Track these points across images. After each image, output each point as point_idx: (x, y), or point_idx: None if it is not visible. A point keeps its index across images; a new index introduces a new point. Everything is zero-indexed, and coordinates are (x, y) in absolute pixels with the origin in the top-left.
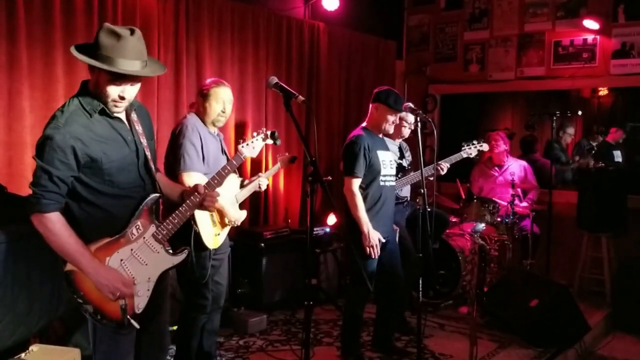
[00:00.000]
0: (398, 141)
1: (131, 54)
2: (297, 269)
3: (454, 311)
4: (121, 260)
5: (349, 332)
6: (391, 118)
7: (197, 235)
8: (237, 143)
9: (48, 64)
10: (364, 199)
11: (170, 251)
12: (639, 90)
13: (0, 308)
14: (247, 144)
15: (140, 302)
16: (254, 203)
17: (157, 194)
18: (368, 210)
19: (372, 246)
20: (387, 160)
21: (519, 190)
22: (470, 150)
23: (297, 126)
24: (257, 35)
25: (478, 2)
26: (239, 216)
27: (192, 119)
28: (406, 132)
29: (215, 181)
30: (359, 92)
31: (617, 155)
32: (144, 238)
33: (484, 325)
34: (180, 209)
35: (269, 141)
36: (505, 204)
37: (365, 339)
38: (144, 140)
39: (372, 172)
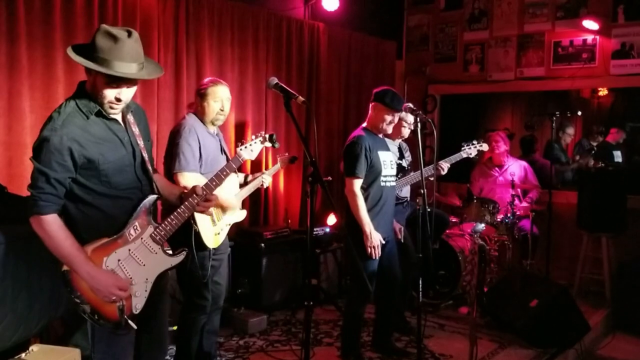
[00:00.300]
0: (397, 141)
1: (128, 57)
2: (297, 269)
3: (454, 311)
4: (119, 260)
5: (349, 332)
6: (388, 117)
7: (197, 235)
8: (237, 143)
9: (48, 64)
10: (365, 199)
11: (169, 252)
12: (638, 91)
13: (1, 308)
14: (246, 147)
15: (138, 303)
16: (255, 203)
17: (155, 195)
18: (369, 211)
19: (374, 247)
20: (388, 160)
21: (518, 190)
22: (470, 150)
23: (297, 126)
24: (257, 35)
25: (478, 2)
26: (239, 210)
27: (191, 120)
28: (405, 132)
29: (214, 183)
30: (359, 93)
31: (618, 156)
32: (141, 239)
33: (484, 326)
34: (179, 210)
35: (268, 144)
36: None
37: (365, 339)
38: (140, 142)
39: (373, 173)
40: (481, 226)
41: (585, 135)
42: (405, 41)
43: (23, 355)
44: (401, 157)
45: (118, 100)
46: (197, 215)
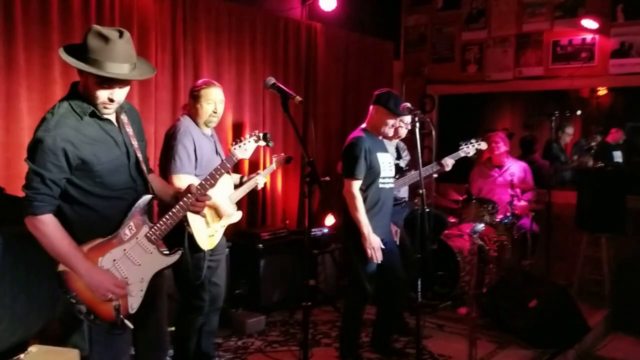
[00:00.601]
0: (395, 141)
1: (120, 57)
2: (295, 270)
3: (453, 312)
4: (114, 260)
5: (348, 333)
6: (391, 122)
7: (191, 237)
8: (232, 143)
9: (45, 65)
10: (363, 201)
11: (164, 251)
12: (637, 90)
13: (0, 309)
14: (240, 146)
15: (133, 302)
16: (252, 204)
17: (150, 195)
18: (367, 212)
19: (373, 248)
20: (387, 162)
21: (517, 190)
22: (468, 149)
23: (294, 127)
24: (254, 36)
25: (475, 2)
26: (232, 211)
27: (185, 122)
28: (402, 132)
29: (208, 183)
30: (357, 93)
31: (617, 156)
32: (136, 238)
33: (483, 326)
34: (173, 209)
35: (262, 143)
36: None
37: (363, 339)
38: (134, 142)
39: (372, 175)
40: (480, 226)
41: (584, 135)
42: (403, 41)
43: (22, 356)
44: (398, 157)
45: (111, 100)
46: (190, 217)
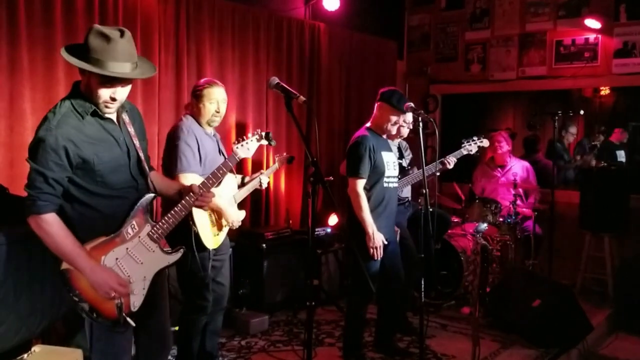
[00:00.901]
0: (397, 141)
1: (121, 56)
2: (299, 270)
3: (456, 311)
4: (116, 259)
5: (351, 333)
6: (393, 118)
7: (197, 236)
8: (237, 141)
9: (49, 66)
10: (368, 200)
11: (167, 250)
12: None
13: (3, 309)
14: (242, 145)
15: (136, 301)
16: (255, 204)
17: (152, 194)
18: (371, 212)
19: (376, 247)
20: (391, 161)
21: (520, 190)
22: (470, 147)
23: (298, 126)
24: (258, 36)
25: (479, 1)
26: (237, 216)
27: (188, 122)
28: (404, 131)
29: (211, 181)
30: (360, 93)
31: (621, 155)
32: (139, 237)
33: (486, 326)
34: (175, 208)
35: (264, 142)
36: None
37: (367, 339)
38: (136, 142)
39: (377, 174)
40: (483, 226)
41: (587, 135)
42: (407, 41)
43: (25, 355)
44: (400, 156)
45: (113, 99)
46: (196, 217)
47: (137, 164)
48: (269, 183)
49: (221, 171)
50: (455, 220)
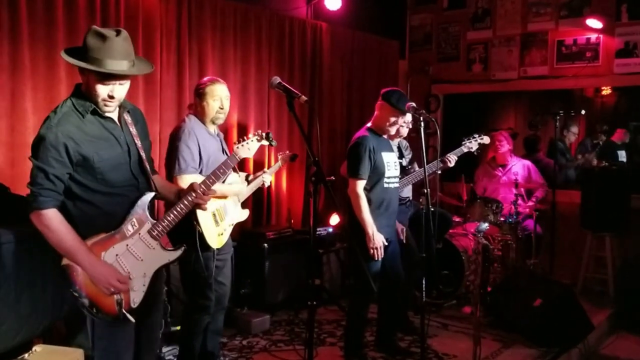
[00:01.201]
0: (397, 140)
1: (118, 54)
2: (300, 269)
3: (458, 311)
4: (117, 255)
5: (353, 332)
6: (392, 118)
7: (201, 236)
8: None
9: (50, 65)
10: (368, 200)
11: (168, 248)
12: None
13: (4, 309)
14: (242, 145)
15: (135, 297)
16: (257, 203)
17: (153, 193)
18: (372, 212)
19: (377, 248)
20: (392, 162)
21: (522, 190)
22: (470, 144)
23: (299, 126)
24: (260, 35)
25: (481, 1)
26: (240, 212)
27: (190, 122)
28: (404, 131)
29: (211, 180)
30: (362, 92)
31: (622, 155)
32: (139, 234)
33: (488, 325)
34: (176, 206)
35: (264, 142)
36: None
37: (368, 339)
38: (137, 142)
39: (377, 174)
40: (485, 226)
41: (588, 135)
42: (408, 40)
43: (26, 355)
44: (401, 156)
45: (111, 97)
46: (200, 216)
47: (138, 163)
48: (270, 182)
49: (221, 170)
50: (456, 219)
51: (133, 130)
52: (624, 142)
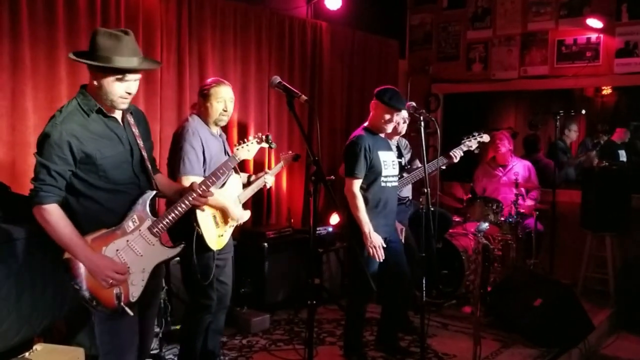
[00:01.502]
0: (396, 139)
1: (129, 52)
2: (300, 269)
3: (458, 311)
4: (117, 250)
5: (352, 332)
6: (387, 116)
7: (200, 237)
8: (238, 143)
9: (51, 64)
10: (365, 200)
11: (167, 245)
12: None
13: (5, 308)
14: (242, 147)
15: (134, 291)
16: (257, 203)
17: (154, 191)
18: (369, 211)
19: (374, 247)
20: (389, 160)
21: (522, 189)
22: (470, 143)
23: (299, 126)
24: (260, 35)
25: (481, 1)
26: (241, 214)
27: (194, 122)
28: (402, 128)
29: (211, 180)
30: (362, 92)
31: (622, 155)
32: (139, 230)
33: (488, 325)
34: (177, 205)
35: (264, 144)
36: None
37: (368, 338)
38: (140, 142)
39: (373, 173)
40: (485, 225)
41: (589, 134)
42: (408, 40)
43: (27, 354)
44: (400, 155)
45: (129, 93)
46: (200, 218)
47: (140, 163)
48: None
49: (221, 171)
50: (456, 219)
51: (135, 130)
52: (624, 142)
